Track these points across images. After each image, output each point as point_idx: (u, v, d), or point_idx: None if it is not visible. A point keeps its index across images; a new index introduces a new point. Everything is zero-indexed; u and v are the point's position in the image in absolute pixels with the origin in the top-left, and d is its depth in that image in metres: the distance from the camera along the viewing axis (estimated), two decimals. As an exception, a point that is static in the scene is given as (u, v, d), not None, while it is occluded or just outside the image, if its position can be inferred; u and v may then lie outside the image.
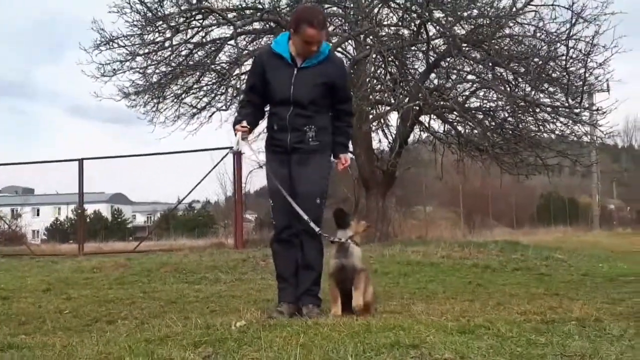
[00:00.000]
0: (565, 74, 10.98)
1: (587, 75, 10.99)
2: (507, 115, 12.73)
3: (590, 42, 10.54)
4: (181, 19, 12.10)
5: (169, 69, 12.77)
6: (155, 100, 13.30)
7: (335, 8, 12.88)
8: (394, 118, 13.77)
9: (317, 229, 4.16)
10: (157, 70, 12.80)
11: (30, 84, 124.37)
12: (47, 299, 6.31)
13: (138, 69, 12.61)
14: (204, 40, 12.76)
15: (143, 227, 45.88)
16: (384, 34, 12.34)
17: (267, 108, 4.53)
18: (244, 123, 4.37)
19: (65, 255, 13.52)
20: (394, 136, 13.76)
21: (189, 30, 12.49)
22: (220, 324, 3.85)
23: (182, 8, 11.82)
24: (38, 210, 46.50)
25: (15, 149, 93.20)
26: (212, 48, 12.78)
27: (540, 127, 12.54)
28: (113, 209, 47.66)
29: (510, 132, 12.79)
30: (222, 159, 12.94)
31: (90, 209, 31.07)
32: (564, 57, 10.86)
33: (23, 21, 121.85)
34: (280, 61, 4.28)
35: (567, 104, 11.51)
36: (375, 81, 12.99)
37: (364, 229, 4.35)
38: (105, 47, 12.08)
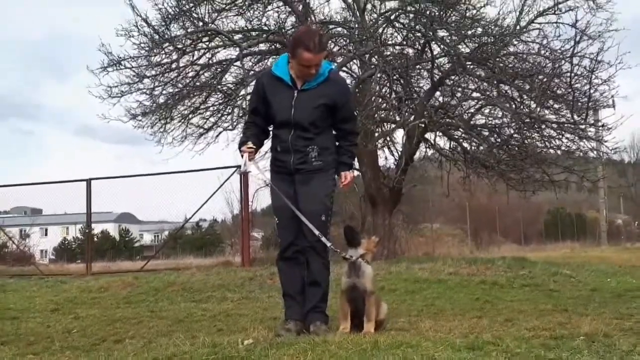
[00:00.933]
0: (570, 90, 10.97)
1: (592, 91, 11.00)
2: (512, 132, 12.69)
3: (595, 59, 10.56)
4: (188, 41, 12.21)
5: (176, 90, 12.85)
6: (162, 121, 13.36)
7: (340, 28, 12.98)
8: (399, 135, 13.77)
9: (328, 244, 4.18)
10: (164, 92, 12.88)
11: (37, 104, 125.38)
12: (56, 319, 6.32)
13: (145, 90, 12.70)
14: (210, 61, 12.86)
15: (150, 246, 45.87)
16: (388, 53, 12.39)
17: (271, 129, 4.56)
18: (249, 144, 4.41)
19: (73, 275, 13.54)
20: (400, 153, 13.75)
21: (196, 52, 12.59)
22: (227, 342, 3.84)
23: (189, 30, 11.93)
24: (46, 230, 46.58)
25: (24, 170, 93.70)
26: (219, 69, 12.85)
27: (546, 143, 12.50)
28: (121, 229, 47.76)
29: (516, 148, 12.75)
30: (228, 178, 12.99)
31: (98, 228, 31.16)
32: (568, 74, 10.85)
33: (29, 42, 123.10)
34: (280, 84, 4.32)
35: (572, 120, 11.49)
36: (380, 100, 13.02)
37: (375, 245, 4.36)
38: (113, 68, 12.17)
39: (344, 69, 13.64)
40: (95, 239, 29.66)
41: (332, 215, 4.49)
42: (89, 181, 14.83)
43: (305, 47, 4.07)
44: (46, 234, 45.27)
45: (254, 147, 4.43)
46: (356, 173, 14.93)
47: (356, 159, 13.82)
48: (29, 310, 7.23)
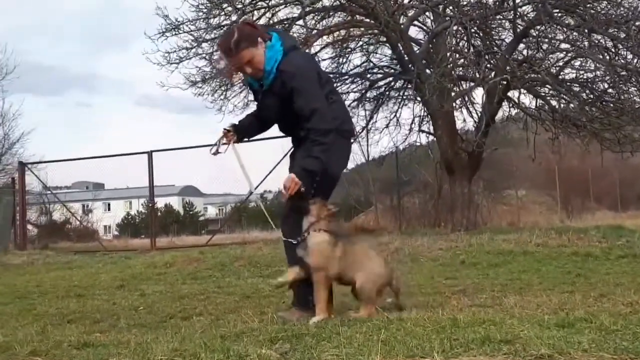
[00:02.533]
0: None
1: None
2: (607, 86, 12.25)
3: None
4: (247, 0, 12.26)
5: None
6: (223, 88, 13.55)
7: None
8: (479, 94, 13.51)
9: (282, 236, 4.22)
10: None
11: (97, 75, 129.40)
12: (121, 296, 6.57)
13: (204, 55, 12.88)
14: (271, 21, 12.88)
15: (215, 219, 46.99)
16: (465, 3, 12.08)
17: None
18: (229, 126, 4.52)
19: (138, 251, 14.03)
20: (479, 114, 13.50)
21: (255, 12, 12.63)
22: (297, 318, 3.92)
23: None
24: (109, 205, 48.46)
25: (84, 144, 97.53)
26: (280, 29, 12.87)
27: (646, 97, 12.01)
28: (184, 202, 49.04)
29: (611, 104, 12.31)
30: (292, 148, 13.07)
31: (161, 202, 32.05)
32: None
33: (85, 12, 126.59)
34: (254, 87, 4.42)
35: (676, 71, 10.97)
36: (457, 55, 12.75)
37: (328, 212, 4.06)
38: (171, 33, 12.40)
39: (416, 22, 13.42)
40: (159, 213, 30.53)
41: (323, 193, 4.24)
42: (150, 153, 15.24)
43: (221, 54, 4.23)
44: (109, 209, 47.10)
45: (230, 130, 4.48)
46: (431, 138, 14.78)
47: (430, 123, 13.66)
48: (94, 287, 7.55)
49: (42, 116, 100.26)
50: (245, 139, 4.59)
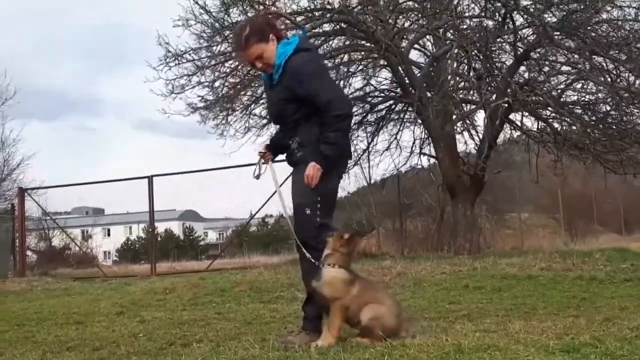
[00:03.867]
0: (674, 58, 10.52)
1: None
2: (609, 108, 12.29)
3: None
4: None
5: (237, 79, 13.05)
6: (224, 113, 13.62)
7: (410, 2, 12.84)
8: (480, 117, 13.56)
9: (305, 253, 4.11)
10: (225, 82, 13.10)
11: (96, 100, 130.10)
12: (121, 323, 6.55)
13: (206, 83, 12.94)
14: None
15: (215, 244, 46.97)
16: (465, 26, 12.18)
17: None
18: (263, 148, 4.60)
19: (138, 277, 14.01)
20: (481, 137, 13.54)
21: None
22: (298, 345, 3.90)
23: (249, 15, 12.07)
24: (109, 231, 48.43)
25: (84, 169, 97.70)
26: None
27: (649, 120, 12.05)
28: (184, 227, 49.02)
29: (614, 127, 12.34)
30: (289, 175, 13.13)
31: (161, 227, 32.06)
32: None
33: (86, 36, 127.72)
34: (266, 82, 4.47)
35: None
36: (458, 78, 12.82)
37: (343, 244, 4.03)
38: (173, 62, 12.46)
39: (416, 45, 13.50)
40: (159, 238, 30.53)
41: (326, 211, 4.22)
42: (150, 178, 15.28)
43: (234, 49, 4.24)
44: (109, 235, 47.07)
45: (264, 150, 4.57)
46: (432, 161, 14.80)
47: (432, 145, 13.69)
48: (93, 314, 7.52)
49: (42, 141, 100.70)
50: (280, 154, 4.60)
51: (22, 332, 6.19)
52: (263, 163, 4.58)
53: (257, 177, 4.60)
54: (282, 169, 4.69)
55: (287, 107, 4.23)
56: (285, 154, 4.45)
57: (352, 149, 14.93)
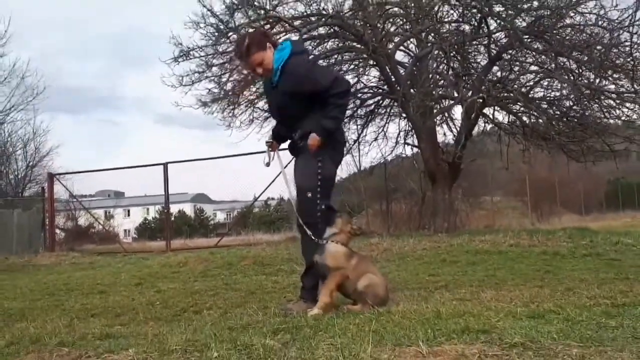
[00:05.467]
0: (629, 59, 10.48)
1: (652, 60, 10.49)
2: (571, 103, 12.26)
3: (655, 26, 10.04)
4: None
5: (242, 76, 12.99)
6: (230, 107, 13.58)
7: (396, 8, 12.77)
8: (458, 111, 13.54)
9: (309, 232, 4.10)
10: (230, 78, 13.06)
11: (119, 96, 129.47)
12: (139, 292, 6.56)
13: (213, 78, 12.91)
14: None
15: (223, 224, 46.83)
16: (445, 30, 12.12)
17: None
18: (268, 138, 4.65)
19: (154, 252, 14.02)
20: (458, 129, 13.53)
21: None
22: (296, 312, 3.91)
23: (252, 19, 12.00)
24: (129, 211, 48.27)
25: (107, 157, 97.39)
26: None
27: (606, 113, 12.02)
28: (196, 208, 48.91)
29: (576, 119, 12.32)
30: (291, 159, 13.13)
31: (175, 208, 32.00)
32: (627, 44, 10.36)
33: (111, 39, 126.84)
34: (267, 85, 4.50)
35: (632, 90, 11.00)
36: (437, 77, 12.79)
37: (351, 228, 4.09)
38: (183, 59, 12.43)
39: (401, 47, 13.44)
40: (173, 218, 30.46)
41: (325, 194, 4.20)
42: (165, 165, 15.26)
43: (237, 58, 4.34)
44: (129, 215, 46.92)
45: (271, 140, 4.62)
46: (415, 150, 14.80)
47: (415, 136, 13.68)
48: (115, 284, 7.54)
49: (69, 132, 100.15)
50: (283, 143, 4.65)
51: (52, 301, 6.21)
52: (271, 151, 4.60)
53: (267, 164, 4.62)
54: (285, 156, 4.67)
55: (290, 104, 4.24)
56: (288, 144, 4.48)
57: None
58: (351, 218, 4.17)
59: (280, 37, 12.59)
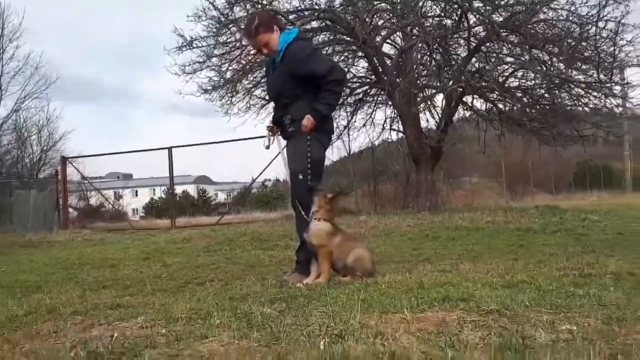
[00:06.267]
0: (596, 52, 10.49)
1: (616, 52, 10.52)
2: (543, 92, 12.27)
3: (619, 21, 10.05)
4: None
5: (240, 66, 12.90)
6: (229, 95, 13.50)
7: (384, 4, 12.69)
8: (439, 99, 13.53)
9: (300, 210, 4.11)
10: (230, 68, 12.96)
11: (129, 87, 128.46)
12: (147, 266, 6.56)
13: (214, 67, 12.81)
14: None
15: (224, 203, 46.72)
16: (428, 24, 12.06)
17: None
18: (270, 123, 4.54)
19: (160, 229, 14.00)
20: (440, 115, 13.53)
21: (256, 31, 12.49)
22: (292, 283, 3.92)
23: (250, 12, 11.89)
24: (136, 192, 48.14)
25: (117, 141, 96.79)
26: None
27: (575, 101, 12.05)
28: (199, 189, 48.79)
29: (547, 107, 12.34)
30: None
31: (179, 189, 31.94)
32: (595, 37, 10.37)
33: (121, 32, 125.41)
34: (269, 65, 4.42)
35: (599, 80, 11.02)
36: (421, 67, 12.74)
37: (328, 201, 4.03)
38: (185, 48, 12.32)
39: (388, 40, 13.36)
40: (177, 198, 30.42)
41: (316, 175, 4.17)
42: (170, 149, 15.20)
43: (245, 37, 4.24)
44: (136, 195, 46.79)
45: (271, 125, 4.51)
46: (400, 135, 14.79)
47: (400, 122, 13.67)
48: (124, 259, 7.53)
49: (80, 118, 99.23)
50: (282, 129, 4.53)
51: (66, 274, 6.20)
52: (271, 135, 4.53)
53: (267, 147, 4.56)
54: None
55: (286, 85, 4.18)
56: (282, 129, 4.39)
57: (335, 125, 14.85)
58: (326, 193, 4.10)
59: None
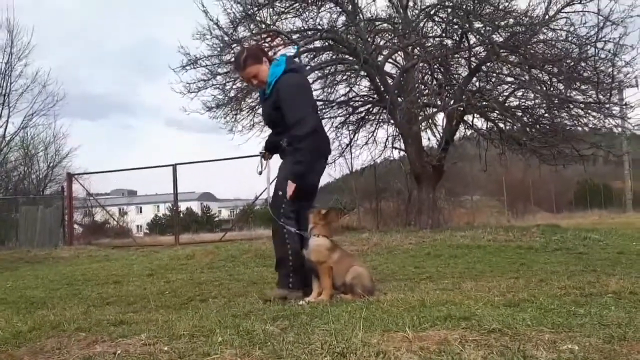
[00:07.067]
0: (595, 73, 10.54)
1: (615, 73, 10.55)
2: (543, 112, 12.30)
3: (618, 43, 10.10)
4: (252, 42, 12.27)
5: (244, 84, 12.98)
6: (233, 112, 13.56)
7: (385, 24, 12.79)
8: (440, 118, 13.57)
9: (280, 222, 4.15)
10: (234, 86, 13.04)
11: (133, 103, 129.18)
12: (151, 282, 6.54)
13: (218, 86, 12.89)
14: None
15: (227, 220, 46.74)
16: (429, 44, 12.14)
17: None
18: (263, 148, 4.61)
19: (164, 246, 13.99)
20: (441, 134, 13.55)
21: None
22: (294, 300, 3.91)
23: (254, 32, 11.99)
24: (141, 209, 48.22)
25: (122, 158, 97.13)
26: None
27: (575, 121, 12.08)
28: (202, 206, 48.80)
29: (547, 126, 12.36)
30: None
31: (183, 206, 31.93)
32: (593, 58, 10.43)
33: (126, 49, 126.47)
34: (261, 95, 4.48)
35: (598, 100, 11.04)
36: (423, 86, 12.81)
37: (322, 217, 4.03)
38: (190, 67, 12.41)
39: (390, 60, 13.44)
40: (181, 215, 30.41)
41: (306, 195, 4.24)
42: (174, 166, 15.25)
43: (235, 69, 4.30)
44: (141, 212, 46.86)
45: (264, 151, 4.59)
46: (402, 153, 14.82)
47: (402, 141, 13.70)
48: (128, 275, 7.51)
49: (86, 135, 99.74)
50: (276, 153, 4.58)
51: (70, 290, 6.18)
52: (264, 160, 4.62)
53: (260, 173, 4.65)
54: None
55: (277, 116, 4.22)
56: (278, 151, 4.45)
57: (337, 143, 14.95)
58: (320, 209, 4.10)
59: (279, 49, 12.60)
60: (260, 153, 4.62)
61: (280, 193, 4.18)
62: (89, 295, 5.62)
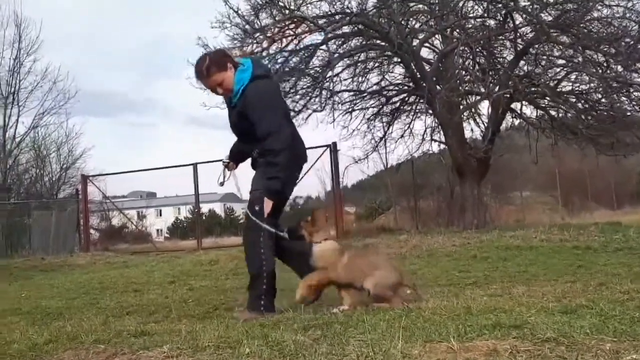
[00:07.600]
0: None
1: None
2: (600, 96, 12.08)
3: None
4: (276, 29, 12.31)
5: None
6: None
7: (420, 5, 12.69)
8: (485, 107, 13.42)
9: (263, 224, 4.16)
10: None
11: (150, 100, 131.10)
12: (173, 290, 6.63)
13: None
14: (297, 47, 12.91)
15: (253, 222, 47.12)
16: (470, 26, 12.02)
17: None
18: (226, 158, 4.65)
19: (186, 251, 14.13)
20: (486, 124, 13.40)
21: (284, 39, 12.67)
22: (327, 309, 3.91)
23: (277, 19, 12.04)
24: (160, 211, 48.96)
25: (139, 158, 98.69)
26: (306, 54, 12.89)
27: (635, 106, 11.82)
28: (226, 207, 49.26)
29: (605, 113, 12.13)
30: (319, 157, 13.17)
31: (205, 208, 32.30)
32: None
33: (141, 45, 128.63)
34: (228, 104, 4.44)
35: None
36: (463, 72, 12.68)
37: (311, 224, 4.08)
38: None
39: (426, 44, 13.35)
40: (204, 217, 30.79)
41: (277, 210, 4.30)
42: (195, 165, 15.38)
43: (197, 78, 4.26)
44: (160, 215, 47.58)
45: (227, 160, 4.62)
46: (442, 146, 14.71)
47: (441, 132, 13.59)
48: (149, 283, 7.62)
49: (102, 135, 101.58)
50: (241, 163, 4.64)
51: (87, 299, 6.30)
52: (228, 171, 4.65)
53: (222, 184, 4.68)
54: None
55: (244, 125, 4.22)
56: (250, 161, 4.45)
57: (370, 137, 14.94)
58: (306, 218, 4.16)
59: (305, 36, 12.63)
60: (224, 162, 4.63)
61: (257, 208, 4.18)
62: (108, 304, 5.72)
